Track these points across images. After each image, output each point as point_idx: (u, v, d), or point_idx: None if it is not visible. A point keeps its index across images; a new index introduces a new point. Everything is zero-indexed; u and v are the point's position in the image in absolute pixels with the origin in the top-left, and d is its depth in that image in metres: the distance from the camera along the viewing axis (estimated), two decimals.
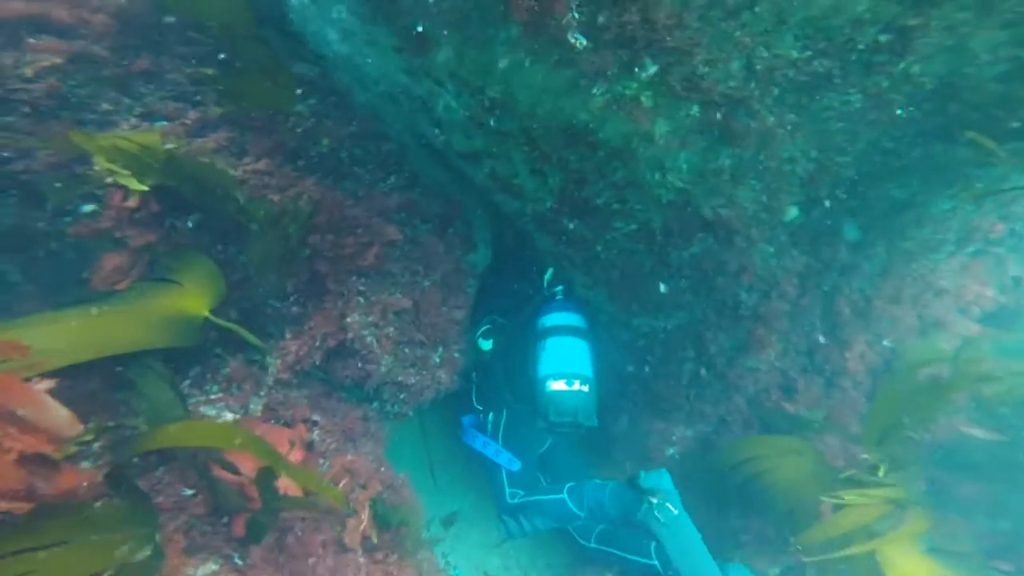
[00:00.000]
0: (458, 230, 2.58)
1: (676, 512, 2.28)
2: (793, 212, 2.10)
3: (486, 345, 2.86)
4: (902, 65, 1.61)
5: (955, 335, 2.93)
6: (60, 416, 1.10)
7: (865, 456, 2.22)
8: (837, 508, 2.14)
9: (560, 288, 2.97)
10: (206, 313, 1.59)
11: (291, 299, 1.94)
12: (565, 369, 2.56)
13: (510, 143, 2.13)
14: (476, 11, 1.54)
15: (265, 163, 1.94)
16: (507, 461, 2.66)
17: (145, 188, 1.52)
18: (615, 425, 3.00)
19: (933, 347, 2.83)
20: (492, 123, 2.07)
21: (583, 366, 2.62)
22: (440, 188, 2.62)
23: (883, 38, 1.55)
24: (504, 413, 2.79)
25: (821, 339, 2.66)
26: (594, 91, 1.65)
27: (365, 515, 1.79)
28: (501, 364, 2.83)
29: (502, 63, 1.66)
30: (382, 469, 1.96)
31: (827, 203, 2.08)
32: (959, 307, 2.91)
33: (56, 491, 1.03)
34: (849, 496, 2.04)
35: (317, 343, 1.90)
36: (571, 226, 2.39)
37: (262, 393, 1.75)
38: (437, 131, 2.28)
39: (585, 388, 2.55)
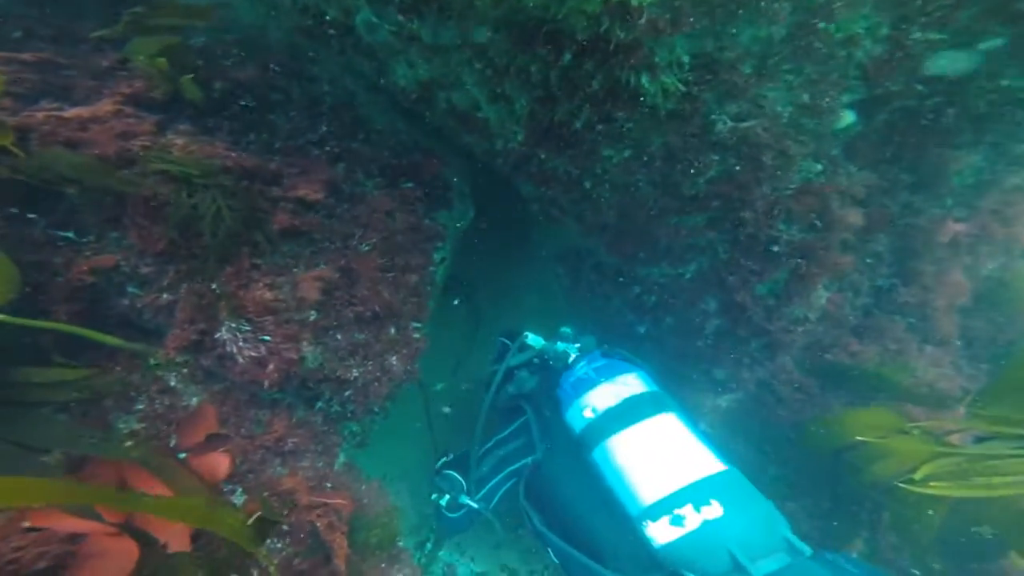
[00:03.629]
0: (420, 183, 2.12)
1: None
2: (848, 117, 1.50)
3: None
4: None
5: None
6: None
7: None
8: None
9: (585, 340, 2.02)
10: None
11: (154, 283, 1.53)
12: (669, 493, 1.35)
13: (456, 61, 1.64)
14: None
15: (90, 109, 1.49)
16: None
17: None
18: None
19: None
20: (426, 36, 1.57)
21: (698, 464, 1.41)
22: (394, 135, 2.16)
23: None
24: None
25: (888, 274, 2.09)
26: None
27: (341, 543, 1.52)
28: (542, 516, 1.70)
29: None
30: (328, 485, 1.65)
31: (901, 101, 1.45)
32: None
33: None
34: None
35: (198, 338, 1.53)
36: (549, 162, 1.89)
37: (137, 407, 1.43)
38: (375, 64, 1.82)
39: (717, 509, 1.29)
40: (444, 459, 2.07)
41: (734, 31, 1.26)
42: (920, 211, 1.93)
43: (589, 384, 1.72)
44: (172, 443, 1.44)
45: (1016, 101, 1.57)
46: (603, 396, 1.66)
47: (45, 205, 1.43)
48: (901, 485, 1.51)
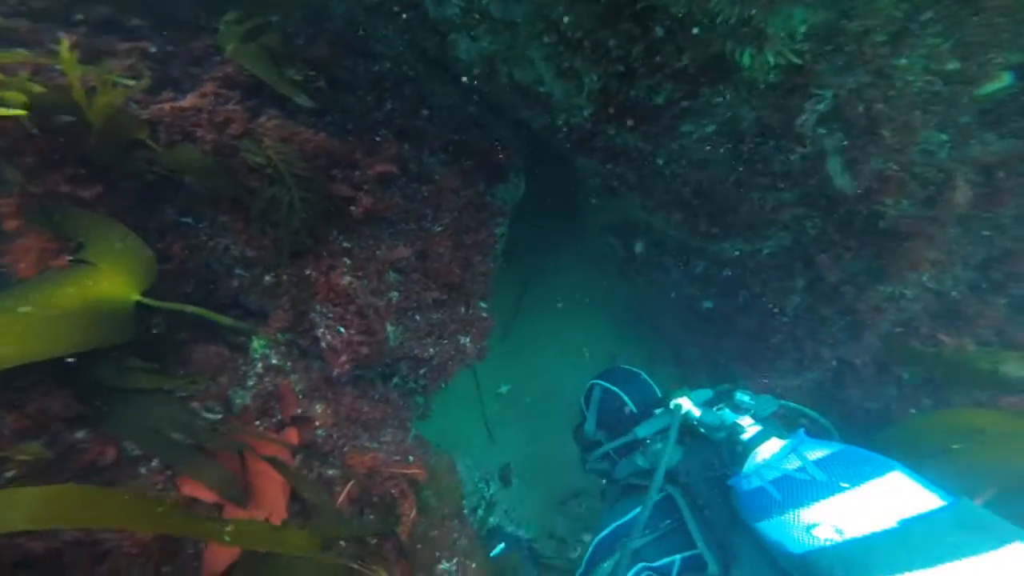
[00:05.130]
0: (480, 159, 2.05)
1: None
2: (1004, 79, 1.24)
3: None
4: None
5: None
6: None
7: None
8: None
9: (762, 402, 1.48)
10: (136, 297, 1.23)
11: (259, 267, 1.60)
12: None
13: (525, 36, 1.48)
14: None
15: (197, 98, 1.53)
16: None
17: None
18: (699, 371, 2.55)
19: None
20: (496, 11, 1.41)
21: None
22: (453, 111, 2.06)
23: None
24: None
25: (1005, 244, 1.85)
26: None
27: (409, 512, 1.66)
28: None
29: None
30: (410, 458, 1.76)
31: None
32: None
33: None
34: None
35: (298, 321, 1.61)
36: (619, 138, 1.73)
37: (249, 384, 1.52)
38: (437, 39, 1.68)
39: None
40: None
41: None
42: None
43: (816, 490, 1.16)
44: (271, 423, 1.55)
45: None
46: (852, 512, 1.09)
47: (169, 192, 1.51)
48: None
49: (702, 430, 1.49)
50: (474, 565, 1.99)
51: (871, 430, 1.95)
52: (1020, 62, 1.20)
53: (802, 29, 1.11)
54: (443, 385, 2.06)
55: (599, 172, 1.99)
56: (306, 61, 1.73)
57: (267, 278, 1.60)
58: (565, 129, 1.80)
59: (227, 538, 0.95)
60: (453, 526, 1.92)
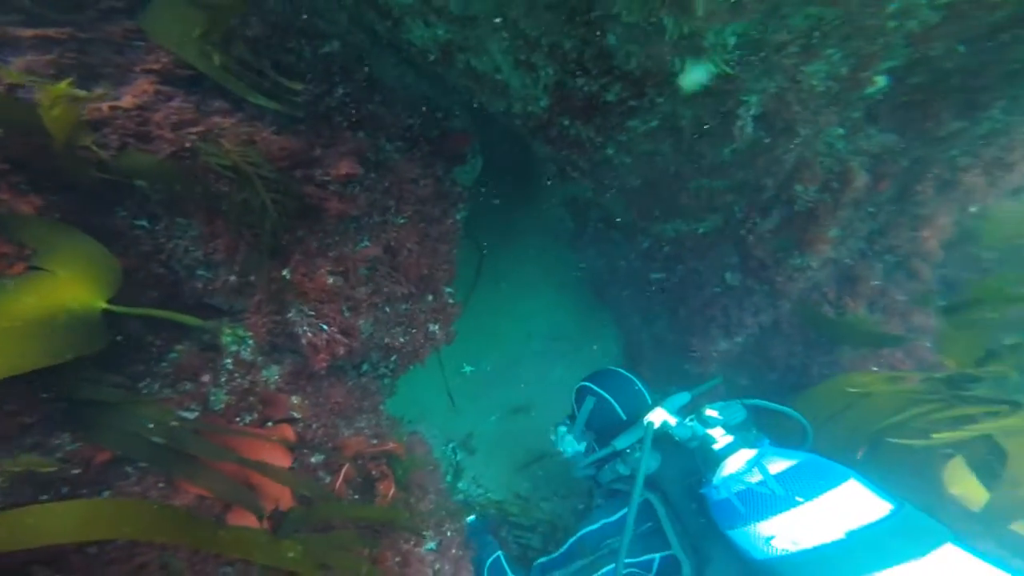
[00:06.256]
0: (437, 143, 2.06)
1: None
2: (880, 82, 1.50)
3: None
4: None
5: None
6: None
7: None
8: None
9: (730, 408, 1.58)
10: (103, 304, 1.20)
11: (224, 267, 1.56)
12: None
13: (483, 30, 1.52)
14: None
15: (138, 96, 1.43)
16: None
17: None
18: (641, 337, 2.81)
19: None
20: (455, 8, 1.44)
21: None
22: (408, 92, 2.03)
23: None
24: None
25: (886, 219, 2.21)
26: None
27: (388, 491, 1.75)
28: None
29: None
30: (389, 442, 1.85)
31: (940, 64, 1.45)
32: None
33: None
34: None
35: (272, 319, 1.60)
36: (572, 129, 1.84)
37: (222, 380, 1.51)
38: (389, 23, 1.65)
39: None
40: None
41: (787, 13, 1.21)
42: (929, 162, 2.00)
43: (774, 504, 1.25)
44: (249, 420, 1.56)
45: None
46: (805, 524, 1.19)
47: (118, 195, 1.42)
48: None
49: (677, 439, 1.57)
50: (450, 533, 2.13)
51: (795, 388, 2.29)
52: (891, 67, 1.46)
53: (732, 41, 1.28)
54: (413, 367, 2.13)
55: (554, 158, 2.11)
56: (246, 43, 1.60)
57: (232, 278, 1.56)
58: (522, 117, 1.89)
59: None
60: (430, 499, 2.04)
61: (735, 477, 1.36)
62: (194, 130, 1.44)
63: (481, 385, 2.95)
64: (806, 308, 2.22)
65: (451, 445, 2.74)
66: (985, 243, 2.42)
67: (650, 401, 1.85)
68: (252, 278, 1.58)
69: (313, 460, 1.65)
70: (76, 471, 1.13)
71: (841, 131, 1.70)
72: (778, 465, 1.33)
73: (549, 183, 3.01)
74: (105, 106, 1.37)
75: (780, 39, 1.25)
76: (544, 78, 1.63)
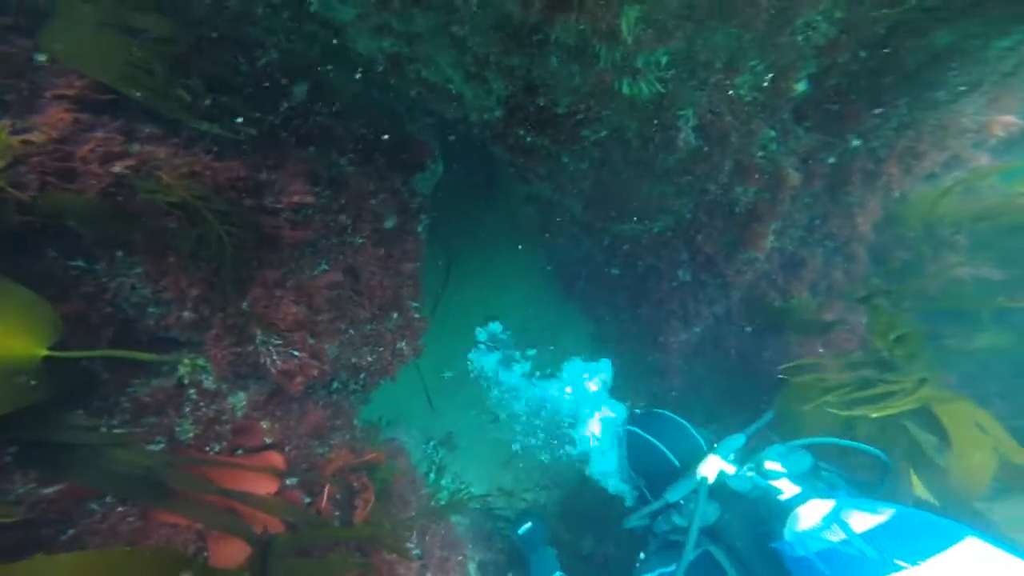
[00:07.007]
0: (393, 153, 2.01)
1: None
2: (801, 87, 1.65)
3: None
4: None
5: (969, 170, 2.68)
6: None
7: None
8: None
9: (796, 458, 1.46)
10: (43, 352, 1.17)
11: (175, 305, 1.49)
12: None
13: (431, 46, 1.56)
14: None
15: (51, 127, 1.29)
16: None
17: None
18: (609, 330, 2.93)
19: (935, 192, 2.61)
20: (399, 25, 1.49)
21: None
22: (357, 100, 1.91)
23: None
24: None
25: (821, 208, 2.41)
26: None
27: (367, 503, 1.80)
28: None
29: None
30: (367, 453, 1.89)
31: (848, 68, 1.61)
32: (976, 141, 2.59)
33: None
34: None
35: (233, 349, 1.55)
36: (528, 138, 1.92)
37: (186, 411, 1.49)
38: (331, 33, 1.64)
39: None
40: None
41: (709, 34, 1.33)
42: (853, 155, 2.19)
43: (867, 568, 1.08)
44: (219, 448, 1.56)
45: (936, 57, 1.77)
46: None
47: (46, 237, 1.34)
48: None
49: (735, 489, 1.47)
50: (428, 537, 2.19)
51: (749, 372, 2.45)
52: (809, 74, 1.61)
53: (664, 60, 1.39)
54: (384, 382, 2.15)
55: (513, 163, 2.19)
56: (172, 60, 1.44)
57: (186, 314, 1.49)
58: (479, 125, 1.93)
59: None
60: (411, 504, 2.10)
61: (813, 534, 1.20)
62: (125, 163, 1.33)
63: (458, 384, 3.01)
64: (753, 299, 2.39)
65: (432, 443, 2.79)
66: (908, 224, 2.66)
67: (703, 444, 1.76)
68: (207, 314, 1.52)
69: (288, 483, 1.67)
70: (32, 515, 1.13)
71: (773, 134, 1.85)
72: (862, 520, 1.16)
73: (510, 186, 3.07)
74: (15, 141, 1.24)
75: (706, 57, 1.37)
76: (497, 90, 1.70)
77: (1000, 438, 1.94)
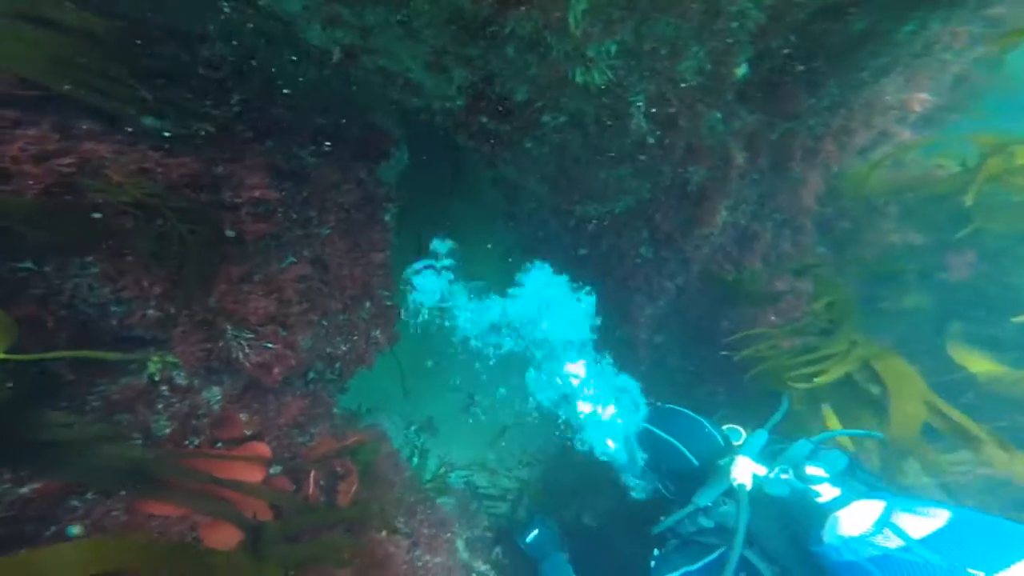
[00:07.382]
0: (355, 143, 2.01)
1: None
2: (742, 71, 1.77)
3: None
4: None
5: (895, 145, 2.91)
6: None
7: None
8: None
9: (832, 456, 1.42)
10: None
11: (137, 303, 1.47)
12: None
13: (385, 38, 1.59)
14: None
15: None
16: None
17: None
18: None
19: (866, 166, 2.83)
20: (349, 18, 1.51)
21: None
22: (314, 89, 1.88)
23: None
24: None
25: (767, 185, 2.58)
26: None
27: (350, 487, 1.86)
28: None
29: None
30: (349, 438, 1.95)
31: (781, 52, 1.74)
32: (899, 118, 2.82)
33: None
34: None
35: (204, 350, 1.55)
36: (490, 126, 1.99)
37: (159, 407, 1.49)
38: (279, 25, 1.61)
39: None
40: None
41: (652, 24, 1.43)
42: (794, 134, 2.35)
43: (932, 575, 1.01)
44: (199, 441, 1.58)
45: (859, 41, 1.93)
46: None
47: None
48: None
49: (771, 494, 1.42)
50: (416, 517, 2.28)
51: (709, 339, 2.62)
52: (748, 59, 1.73)
53: (614, 49, 1.48)
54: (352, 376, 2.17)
55: (476, 149, 2.25)
56: (105, 53, 1.37)
57: (150, 312, 1.47)
58: (441, 114, 1.97)
59: None
60: (395, 484, 2.18)
61: (863, 539, 1.15)
62: (64, 161, 1.28)
63: (434, 367, 3.08)
64: (710, 272, 2.56)
65: (412, 428, 2.87)
66: (846, 196, 2.88)
67: (720, 440, 1.73)
68: (173, 311, 1.50)
69: (273, 472, 1.72)
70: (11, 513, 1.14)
71: (719, 116, 1.98)
72: (918, 525, 1.10)
73: (476, 171, 3.11)
74: None
75: (651, 46, 1.47)
76: (458, 79, 1.75)
77: (925, 392, 2.18)
